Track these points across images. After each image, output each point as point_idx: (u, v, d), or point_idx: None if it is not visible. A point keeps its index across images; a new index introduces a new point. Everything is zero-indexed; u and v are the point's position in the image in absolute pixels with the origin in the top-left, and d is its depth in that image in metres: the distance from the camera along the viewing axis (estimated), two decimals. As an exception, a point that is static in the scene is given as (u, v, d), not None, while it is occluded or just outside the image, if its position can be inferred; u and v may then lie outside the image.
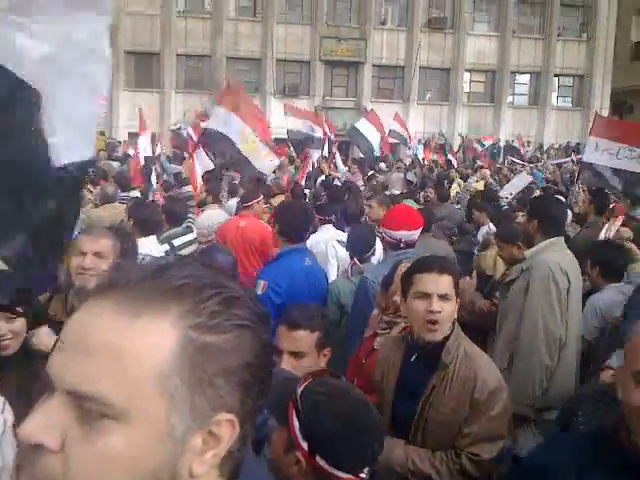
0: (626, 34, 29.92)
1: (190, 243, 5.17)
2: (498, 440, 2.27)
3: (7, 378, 2.04)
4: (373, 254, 4.25)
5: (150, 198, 8.30)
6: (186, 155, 11.24)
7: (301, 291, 3.63)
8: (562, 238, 3.77)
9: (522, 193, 9.60)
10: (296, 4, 29.22)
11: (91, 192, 7.95)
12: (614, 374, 2.63)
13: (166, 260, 0.81)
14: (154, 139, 14.02)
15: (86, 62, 1.76)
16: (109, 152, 15.71)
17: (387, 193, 8.50)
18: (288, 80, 29.18)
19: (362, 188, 10.25)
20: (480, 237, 6.51)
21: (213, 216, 6.34)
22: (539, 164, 18.34)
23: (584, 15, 30.72)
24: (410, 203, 6.69)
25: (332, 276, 4.45)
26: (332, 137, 13.80)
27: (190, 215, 5.99)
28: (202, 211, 6.64)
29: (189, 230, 5.38)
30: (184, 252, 4.87)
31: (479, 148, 21.52)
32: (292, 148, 14.52)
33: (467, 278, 4.39)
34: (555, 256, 3.60)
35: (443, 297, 2.31)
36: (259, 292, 3.51)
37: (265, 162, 7.35)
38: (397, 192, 9.55)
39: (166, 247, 4.68)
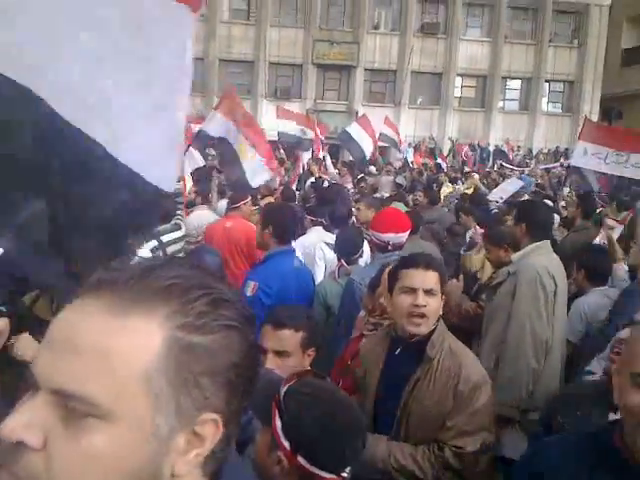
0: (617, 41, 30.13)
1: (179, 240, 5.14)
2: (482, 432, 2.27)
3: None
4: (361, 256, 4.26)
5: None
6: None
7: (290, 293, 3.64)
8: (548, 242, 3.79)
9: (512, 197, 9.64)
10: (290, 7, 29.26)
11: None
12: (601, 378, 2.65)
13: (154, 260, 0.81)
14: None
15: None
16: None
17: (376, 196, 8.50)
18: (280, 83, 29.21)
19: (351, 191, 10.25)
20: (467, 240, 6.54)
21: (202, 217, 6.30)
22: (527, 169, 18.42)
23: (576, 21, 30.89)
24: (399, 206, 6.69)
25: (319, 278, 4.45)
26: (323, 139, 13.77)
27: (178, 212, 5.96)
28: (191, 212, 6.61)
29: (177, 227, 5.34)
30: (172, 248, 4.84)
31: (470, 153, 21.59)
32: (282, 150, 14.51)
33: (454, 281, 4.41)
34: (542, 260, 3.62)
35: (429, 292, 2.32)
36: (249, 293, 3.50)
37: (256, 178, 7.24)
38: (386, 195, 9.57)
39: (154, 243, 4.64)
